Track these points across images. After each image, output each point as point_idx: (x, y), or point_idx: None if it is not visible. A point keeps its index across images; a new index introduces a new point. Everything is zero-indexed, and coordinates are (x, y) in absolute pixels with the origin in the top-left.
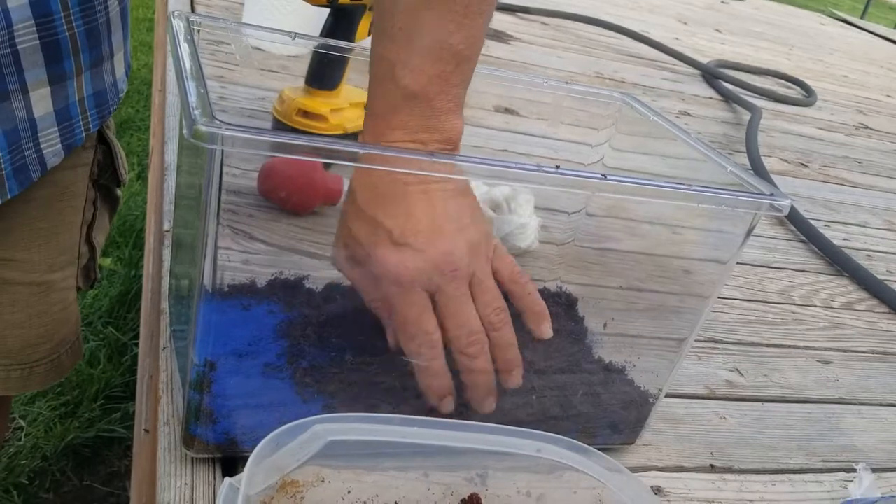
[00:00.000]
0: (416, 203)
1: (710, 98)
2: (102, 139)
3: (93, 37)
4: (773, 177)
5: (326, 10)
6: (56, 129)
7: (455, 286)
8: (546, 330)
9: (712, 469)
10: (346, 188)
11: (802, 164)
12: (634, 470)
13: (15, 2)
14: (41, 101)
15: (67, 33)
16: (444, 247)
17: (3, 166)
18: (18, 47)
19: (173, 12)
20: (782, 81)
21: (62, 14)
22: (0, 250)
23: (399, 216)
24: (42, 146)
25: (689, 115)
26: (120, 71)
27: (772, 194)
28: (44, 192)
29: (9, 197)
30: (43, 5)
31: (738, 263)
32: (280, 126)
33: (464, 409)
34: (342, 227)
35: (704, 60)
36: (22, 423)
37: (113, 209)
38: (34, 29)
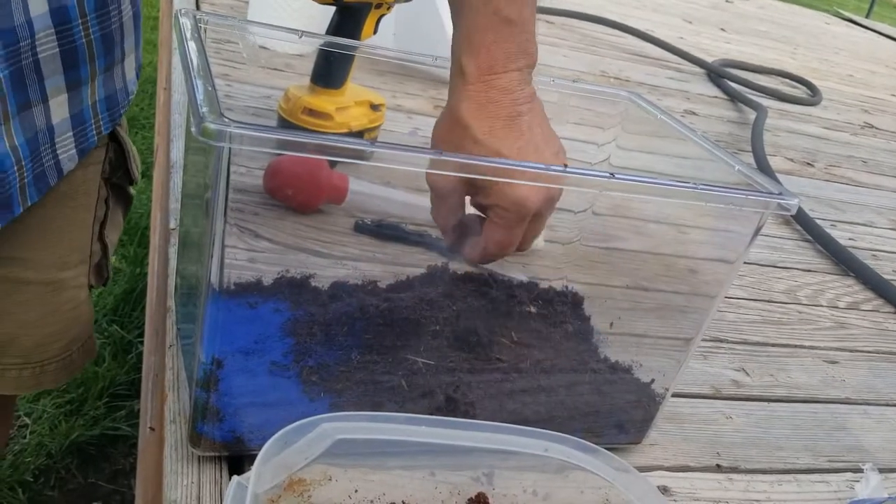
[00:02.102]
0: (530, 134)
1: (716, 97)
2: (114, 137)
3: (107, 42)
4: (779, 176)
5: (332, 9)
6: (71, 133)
7: (549, 211)
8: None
9: (719, 469)
10: (351, 186)
11: (808, 164)
12: (641, 469)
13: (37, 10)
14: (59, 108)
15: (84, 40)
16: None
17: (25, 174)
18: (39, 56)
19: (180, 10)
20: (787, 81)
21: (80, 21)
22: (12, 249)
23: (521, 148)
24: (58, 152)
25: (694, 114)
26: (130, 73)
27: (780, 193)
28: (55, 190)
29: (28, 204)
30: (62, 13)
31: (743, 263)
32: (286, 124)
33: (470, 409)
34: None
35: (709, 59)
36: (27, 420)
37: (126, 207)
38: (54, 37)
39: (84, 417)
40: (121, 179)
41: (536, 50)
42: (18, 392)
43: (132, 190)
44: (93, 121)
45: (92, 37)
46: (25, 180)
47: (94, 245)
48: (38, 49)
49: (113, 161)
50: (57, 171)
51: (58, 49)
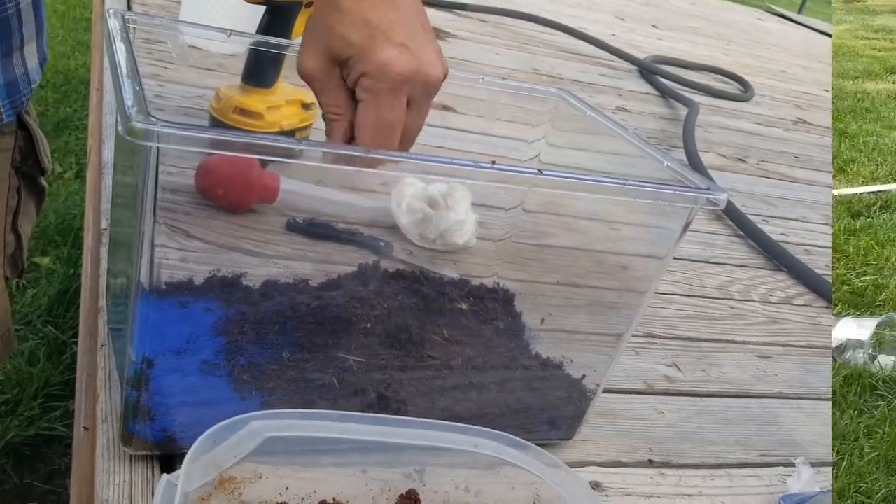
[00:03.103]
0: (406, 11)
1: (648, 94)
2: (23, 126)
3: (3, 28)
4: (711, 172)
5: (262, 8)
6: None
7: (428, 99)
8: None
9: (651, 464)
10: (283, 185)
11: (740, 160)
12: (572, 465)
13: None
14: None
15: None
16: (431, 56)
17: None
18: None
19: (109, 10)
20: (720, 77)
21: None
22: None
23: (393, 19)
24: None
25: (626, 110)
26: (32, 61)
27: (708, 188)
28: None
29: None
30: None
31: (676, 259)
32: (217, 124)
33: (401, 406)
34: (323, 33)
35: (642, 56)
36: None
37: (40, 198)
38: None
39: (19, 418)
40: (31, 168)
41: None
42: None
43: (44, 181)
44: None
45: None
46: None
47: (8, 235)
48: None
49: (23, 149)
50: None
51: None
